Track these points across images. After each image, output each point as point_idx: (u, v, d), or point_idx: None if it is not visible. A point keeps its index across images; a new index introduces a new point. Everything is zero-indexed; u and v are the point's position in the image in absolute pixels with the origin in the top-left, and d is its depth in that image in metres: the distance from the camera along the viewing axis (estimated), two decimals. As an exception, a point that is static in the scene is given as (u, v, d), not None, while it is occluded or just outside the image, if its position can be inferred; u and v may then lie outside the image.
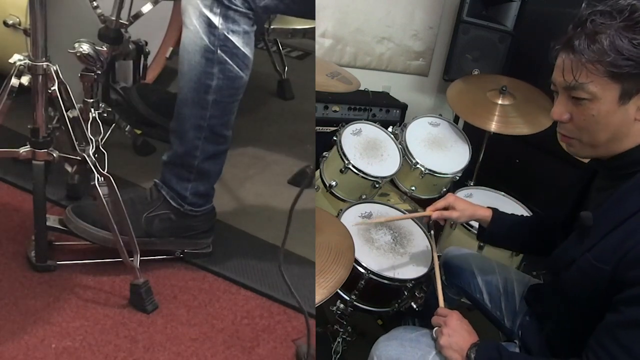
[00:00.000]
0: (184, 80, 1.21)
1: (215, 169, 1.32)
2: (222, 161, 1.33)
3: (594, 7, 0.85)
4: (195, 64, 1.18)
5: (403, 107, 2.61)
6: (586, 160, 1.08)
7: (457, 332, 1.05)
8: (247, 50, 1.21)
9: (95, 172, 1.15)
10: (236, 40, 1.18)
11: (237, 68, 1.20)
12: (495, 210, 1.31)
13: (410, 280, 1.44)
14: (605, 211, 0.88)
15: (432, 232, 1.52)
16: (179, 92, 1.24)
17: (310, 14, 1.30)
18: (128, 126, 1.63)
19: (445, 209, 1.32)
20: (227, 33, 1.17)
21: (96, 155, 1.19)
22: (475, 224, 1.68)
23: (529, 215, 1.80)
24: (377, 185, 1.79)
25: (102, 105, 1.49)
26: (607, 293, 0.83)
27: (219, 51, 1.17)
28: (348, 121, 1.93)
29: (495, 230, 1.29)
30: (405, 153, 1.91)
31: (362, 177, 1.75)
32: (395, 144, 1.95)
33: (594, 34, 0.82)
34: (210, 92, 1.20)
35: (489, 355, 0.98)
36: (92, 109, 1.42)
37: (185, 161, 1.27)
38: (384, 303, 1.52)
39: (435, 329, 1.09)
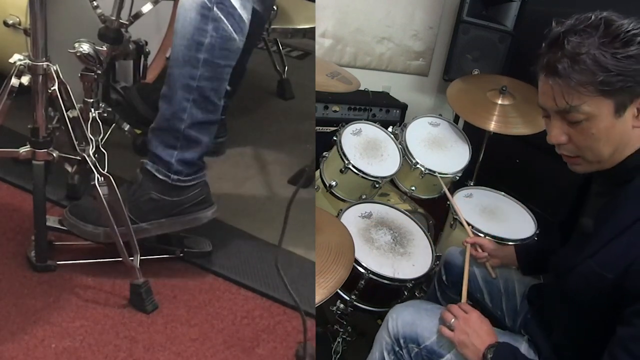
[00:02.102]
0: (177, 38, 1.21)
1: (204, 140, 1.28)
2: (211, 133, 1.29)
3: (564, 25, 0.84)
4: (190, 20, 1.18)
5: (403, 107, 2.61)
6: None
7: (476, 332, 1.04)
8: (244, 14, 1.21)
9: (95, 172, 1.15)
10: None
11: (231, 28, 1.20)
12: (517, 246, 1.41)
13: (410, 280, 1.44)
14: (606, 218, 0.88)
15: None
16: (171, 53, 1.22)
17: None
18: (128, 126, 1.63)
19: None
20: None
21: (96, 155, 1.19)
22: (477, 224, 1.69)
23: (533, 219, 1.82)
24: (377, 185, 1.79)
25: (102, 105, 1.49)
26: (611, 298, 0.83)
27: (215, 8, 1.18)
28: (348, 121, 1.93)
29: (527, 259, 1.35)
30: (405, 153, 1.91)
31: (362, 177, 1.75)
32: (395, 144, 1.95)
33: (576, 55, 0.81)
34: (202, 51, 1.19)
35: (505, 359, 0.98)
36: (92, 109, 1.42)
37: (172, 125, 1.24)
38: (384, 303, 1.52)
39: (453, 320, 1.08)
